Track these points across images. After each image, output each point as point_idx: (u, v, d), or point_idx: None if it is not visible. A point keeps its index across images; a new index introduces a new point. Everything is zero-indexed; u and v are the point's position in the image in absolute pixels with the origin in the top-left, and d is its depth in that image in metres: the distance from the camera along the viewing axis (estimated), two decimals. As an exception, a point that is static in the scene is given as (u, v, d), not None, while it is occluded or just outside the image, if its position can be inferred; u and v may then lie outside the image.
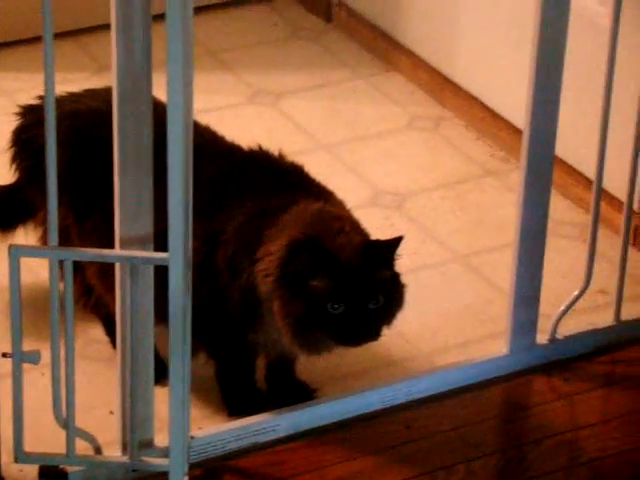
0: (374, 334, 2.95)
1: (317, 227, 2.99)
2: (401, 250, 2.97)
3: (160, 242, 2.63)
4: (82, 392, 2.82)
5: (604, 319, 3.37)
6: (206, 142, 3.08)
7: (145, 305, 2.81)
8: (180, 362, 2.59)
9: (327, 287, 2.91)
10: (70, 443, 2.79)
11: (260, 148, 3.24)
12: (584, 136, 3.31)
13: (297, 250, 2.93)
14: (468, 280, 3.58)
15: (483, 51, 4.06)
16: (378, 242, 3.01)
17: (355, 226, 3.06)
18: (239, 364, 3.21)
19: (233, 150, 3.24)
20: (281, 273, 2.95)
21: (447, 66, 4.23)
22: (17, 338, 2.65)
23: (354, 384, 3.25)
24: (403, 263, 3.03)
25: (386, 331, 3.00)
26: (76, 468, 2.89)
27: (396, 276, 3.01)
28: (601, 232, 3.30)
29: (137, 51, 2.58)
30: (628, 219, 3.31)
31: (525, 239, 3.19)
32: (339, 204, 3.17)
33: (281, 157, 3.25)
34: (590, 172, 3.32)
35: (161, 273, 2.61)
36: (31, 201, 3.17)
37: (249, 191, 3.12)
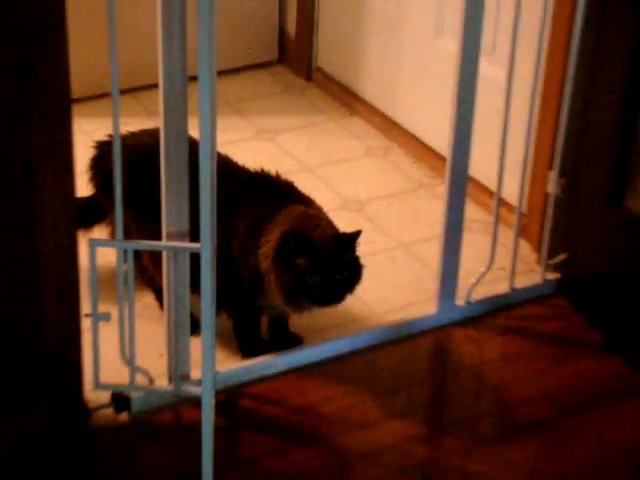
0: (340, 298, 3.02)
1: (301, 223, 3.06)
2: (360, 240, 3.02)
3: (193, 236, 2.68)
4: (140, 341, 2.85)
5: (503, 288, 3.41)
6: (225, 166, 3.12)
7: (183, 280, 2.86)
8: (208, 319, 2.57)
9: (307, 264, 2.97)
10: (132, 376, 2.83)
11: (262, 170, 3.29)
12: (489, 161, 3.31)
13: (287, 239, 3.00)
14: (408, 261, 3.62)
15: (418, 101, 4.09)
16: (344, 234, 3.06)
17: (328, 223, 3.13)
18: (249, 321, 3.26)
19: (243, 171, 3.30)
20: (276, 254, 3.01)
21: (392, 112, 4.26)
22: (94, 303, 2.67)
23: (328, 334, 3.28)
24: (362, 249, 3.05)
25: (349, 297, 3.04)
26: (136, 394, 2.91)
27: (356, 258, 3.06)
28: (500, 228, 3.34)
29: (177, 102, 2.63)
30: (519, 218, 3.35)
31: (448, 232, 3.23)
32: (317, 208, 3.23)
33: (277, 176, 3.29)
34: (493, 186, 3.35)
35: (195, 257, 2.60)
36: (103, 208, 3.24)
37: (254, 200, 3.20)
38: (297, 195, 3.27)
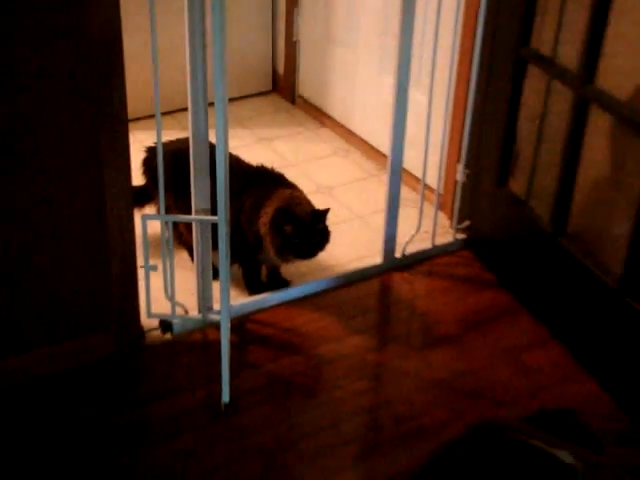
0: (314, 254, 3.10)
1: (288, 202, 3.10)
2: (329, 214, 3.09)
3: (213, 212, 2.73)
4: (178, 284, 2.94)
5: (427, 245, 3.44)
6: (235, 163, 3.10)
7: (206, 242, 2.92)
8: (224, 268, 2.66)
9: (292, 231, 3.02)
10: (173, 308, 2.94)
11: (261, 165, 3.32)
12: (417, 158, 3.34)
13: (278, 213, 3.06)
14: (363, 228, 3.58)
15: (368, 117, 4.07)
16: (318, 210, 3.11)
17: (307, 202, 3.17)
18: (253, 270, 3.29)
19: (248, 166, 3.31)
20: (271, 224, 3.07)
21: (350, 124, 4.23)
22: (146, 258, 2.76)
23: (307, 278, 3.31)
24: (330, 219, 3.09)
25: (321, 253, 3.12)
26: (176, 321, 2.99)
27: (326, 227, 3.11)
28: (425, 204, 3.37)
29: (201, 119, 2.70)
30: (438, 197, 3.40)
31: (390, 207, 3.28)
32: (300, 191, 3.25)
33: (272, 169, 3.31)
34: (420, 175, 3.38)
35: (214, 226, 2.68)
36: (151, 193, 3.27)
37: (255, 186, 3.23)
38: (286, 182, 3.31)
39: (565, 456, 1.33)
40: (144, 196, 3.32)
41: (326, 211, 3.13)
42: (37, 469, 2.47)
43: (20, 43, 2.33)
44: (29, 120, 2.45)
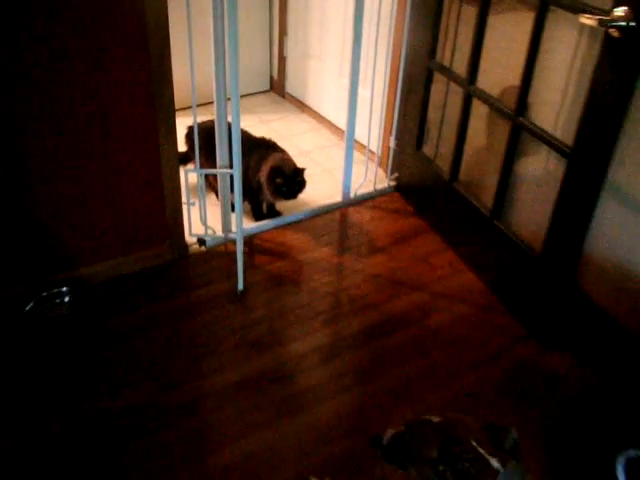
0: (295, 197, 3.10)
1: (279, 162, 3.09)
2: (306, 171, 3.10)
3: (230, 167, 2.72)
4: (209, 214, 2.98)
5: (370, 189, 3.43)
6: (245, 135, 3.07)
7: (226, 187, 2.95)
8: (239, 204, 2.69)
9: (281, 181, 3.04)
10: (205, 230, 2.97)
11: (262, 137, 3.27)
12: (364, 131, 3.34)
13: (272, 169, 3.06)
14: (328, 178, 3.54)
15: (333, 106, 4.01)
16: (298, 168, 3.11)
17: (292, 162, 3.14)
18: (257, 205, 3.24)
19: (253, 138, 3.24)
20: (267, 176, 3.07)
21: (321, 110, 4.15)
22: (188, 197, 2.80)
23: (294, 211, 3.28)
24: (307, 173, 3.09)
25: (300, 196, 3.13)
26: (208, 238, 3.00)
27: (303, 179, 3.10)
28: (369, 163, 3.37)
29: (222, 108, 2.72)
30: (378, 159, 3.40)
31: (346, 164, 3.29)
32: (287, 154, 3.20)
33: (269, 139, 3.26)
34: (366, 143, 3.39)
35: (231, 177, 2.72)
36: (190, 156, 3.16)
37: (258, 150, 3.18)
38: (278, 148, 3.26)
39: (494, 462, 1.27)
40: (186, 158, 3.27)
41: (303, 169, 3.13)
42: (122, 328, 2.54)
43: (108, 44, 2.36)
44: (114, 107, 2.47)
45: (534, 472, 2.02)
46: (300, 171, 3.14)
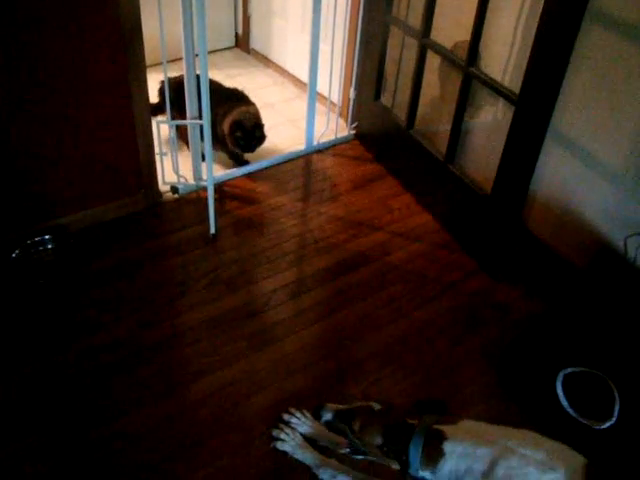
0: (253, 150, 3.10)
1: (241, 116, 3.07)
2: (271, 120, 3.11)
3: (200, 118, 2.66)
4: (181, 164, 2.95)
5: (331, 137, 3.41)
6: (217, 86, 3.12)
7: (196, 137, 2.90)
8: (210, 154, 2.62)
9: (240, 135, 3.03)
10: (178, 178, 2.96)
11: (235, 88, 3.24)
12: (325, 84, 3.32)
13: (233, 123, 3.04)
14: (292, 128, 3.52)
15: (295, 60, 3.97)
16: (258, 122, 3.09)
17: (255, 115, 3.11)
18: (231, 153, 3.21)
19: (222, 88, 3.22)
20: (228, 129, 3.05)
21: (284, 64, 4.12)
22: (160, 147, 2.75)
23: (260, 159, 3.23)
24: (273, 122, 3.12)
25: (266, 144, 3.13)
26: (180, 186, 2.96)
27: (263, 133, 3.09)
28: (331, 114, 3.37)
29: (190, 64, 2.68)
30: (338, 109, 3.37)
31: (309, 114, 3.28)
32: (254, 107, 3.17)
33: (241, 91, 3.23)
34: (327, 95, 3.36)
35: (201, 128, 2.67)
36: (162, 107, 3.05)
37: (227, 103, 3.14)
38: (247, 100, 3.22)
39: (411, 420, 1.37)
40: (158, 109, 3.20)
41: (262, 125, 3.12)
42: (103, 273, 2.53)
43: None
44: (88, 62, 2.43)
45: (484, 393, 2.11)
46: (260, 126, 3.11)
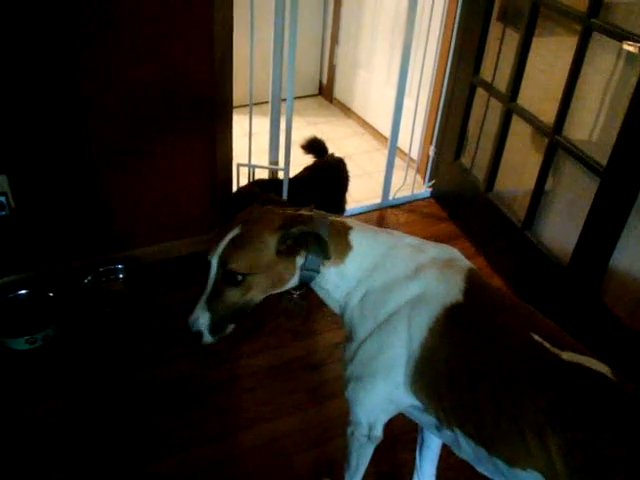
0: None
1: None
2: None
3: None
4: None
5: (408, 193, 3.38)
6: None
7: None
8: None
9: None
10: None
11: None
12: (406, 141, 3.33)
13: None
14: (370, 181, 3.50)
15: (381, 113, 3.97)
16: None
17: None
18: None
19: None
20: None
21: (366, 117, 4.14)
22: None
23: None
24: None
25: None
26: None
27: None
28: (409, 170, 3.35)
29: (276, 109, 2.70)
30: (417, 165, 3.37)
31: (387, 169, 3.26)
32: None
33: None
34: (407, 151, 3.37)
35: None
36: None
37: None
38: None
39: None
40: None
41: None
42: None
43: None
44: (177, 108, 2.49)
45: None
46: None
